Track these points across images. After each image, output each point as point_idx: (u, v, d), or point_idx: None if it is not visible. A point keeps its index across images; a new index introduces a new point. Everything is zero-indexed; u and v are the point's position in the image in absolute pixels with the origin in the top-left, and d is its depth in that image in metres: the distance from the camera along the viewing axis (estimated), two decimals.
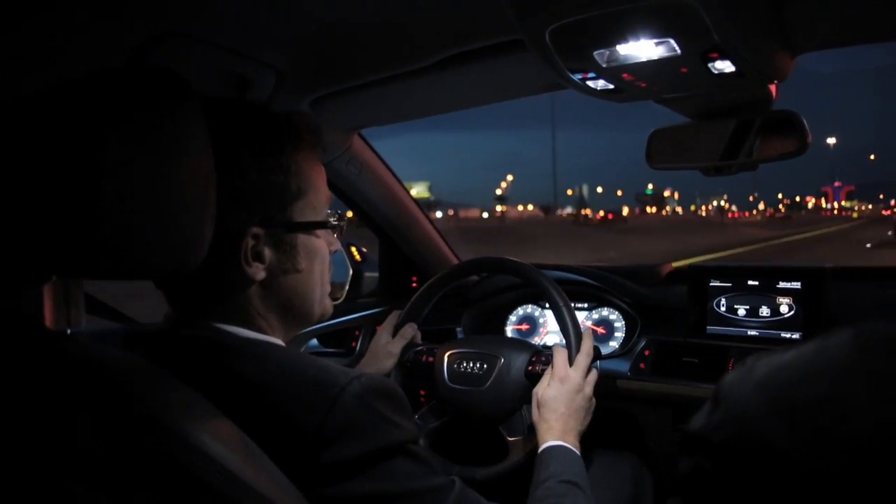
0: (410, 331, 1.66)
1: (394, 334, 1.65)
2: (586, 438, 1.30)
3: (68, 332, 0.74)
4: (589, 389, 1.37)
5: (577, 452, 1.26)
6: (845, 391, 0.40)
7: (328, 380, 0.78)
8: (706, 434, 0.45)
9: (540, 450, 1.26)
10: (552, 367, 1.38)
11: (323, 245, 0.95)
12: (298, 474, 0.72)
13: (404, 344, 1.63)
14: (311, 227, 0.92)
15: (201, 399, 0.70)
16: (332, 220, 0.96)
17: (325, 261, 0.96)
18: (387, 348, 1.61)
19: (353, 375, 0.79)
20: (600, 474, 1.59)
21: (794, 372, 0.44)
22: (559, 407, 1.31)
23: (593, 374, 1.40)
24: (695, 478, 0.45)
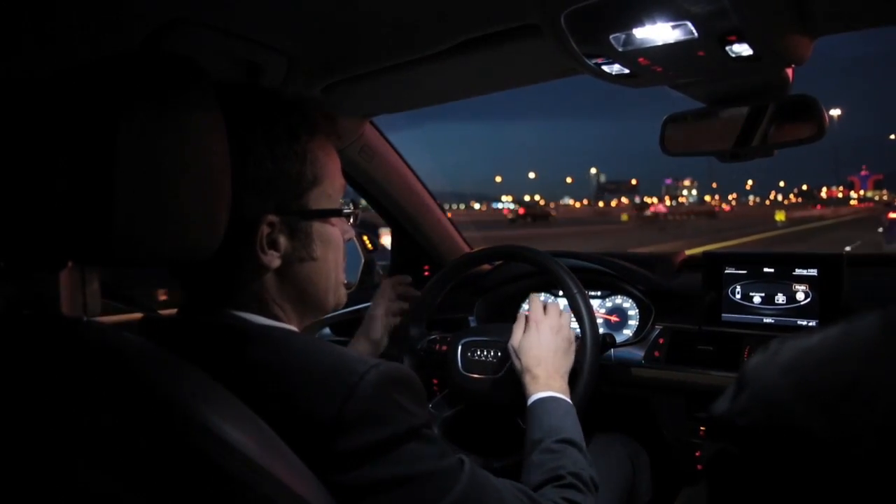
0: (388, 287, 1.67)
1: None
2: (587, 422, 1.31)
3: (84, 319, 0.74)
4: (567, 330, 1.41)
5: (567, 398, 1.28)
6: (874, 374, 0.39)
7: (346, 368, 0.77)
8: (731, 418, 0.44)
9: (529, 403, 1.27)
10: (527, 315, 1.43)
11: (337, 233, 0.94)
12: (313, 461, 0.72)
13: (387, 305, 1.63)
14: (326, 214, 0.91)
15: (218, 385, 0.70)
16: (346, 208, 0.96)
17: (339, 249, 0.95)
18: (371, 312, 1.62)
19: (371, 364, 0.78)
20: (596, 455, 1.59)
21: (820, 355, 0.43)
22: (540, 352, 1.35)
23: (566, 316, 1.45)
24: (720, 462, 0.45)
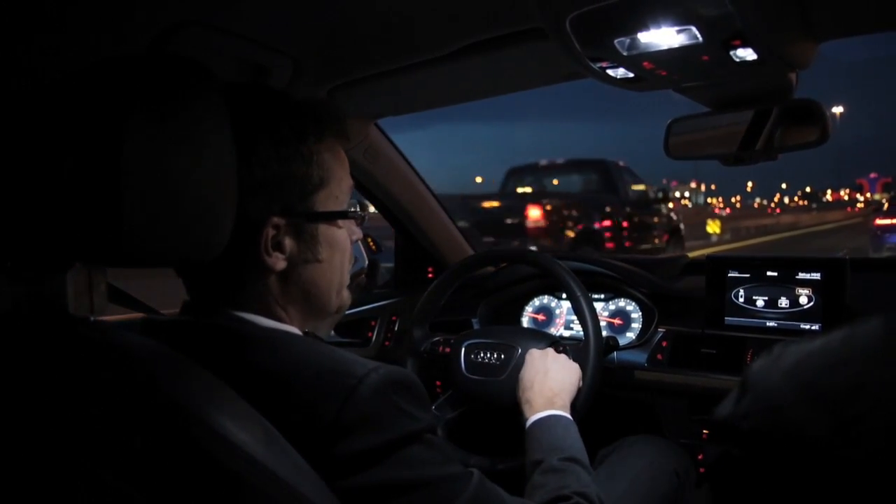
0: None
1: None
2: (610, 429, 1.29)
3: (91, 318, 0.75)
4: (561, 356, 1.42)
5: (567, 415, 1.26)
6: (877, 377, 0.40)
7: (345, 371, 0.77)
8: (734, 422, 0.44)
9: (526, 426, 1.25)
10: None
11: (344, 235, 0.93)
12: (316, 464, 0.72)
13: None
14: (332, 216, 0.90)
15: (223, 386, 0.70)
16: (353, 209, 0.95)
17: (346, 251, 0.94)
18: None
19: (370, 367, 0.77)
20: (640, 465, 1.50)
21: (823, 359, 0.43)
22: (533, 377, 1.35)
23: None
24: (723, 466, 0.45)
